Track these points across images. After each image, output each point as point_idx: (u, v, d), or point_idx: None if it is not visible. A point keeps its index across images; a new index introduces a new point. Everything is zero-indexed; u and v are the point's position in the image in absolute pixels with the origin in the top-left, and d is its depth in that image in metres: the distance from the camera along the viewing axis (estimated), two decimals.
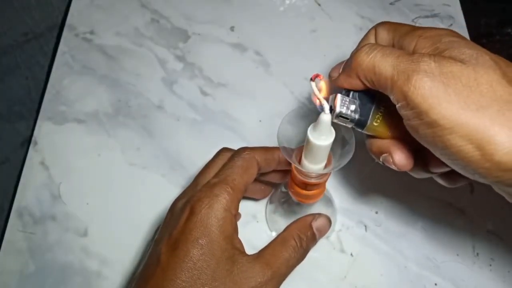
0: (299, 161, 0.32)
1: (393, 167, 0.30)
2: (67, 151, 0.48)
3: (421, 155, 0.29)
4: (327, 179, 0.34)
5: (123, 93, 0.52)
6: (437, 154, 0.26)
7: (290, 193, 0.37)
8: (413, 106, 0.25)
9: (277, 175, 0.39)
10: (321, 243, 0.42)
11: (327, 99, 0.28)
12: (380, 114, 0.30)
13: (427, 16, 0.58)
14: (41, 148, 0.48)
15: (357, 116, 0.29)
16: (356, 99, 0.29)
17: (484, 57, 0.25)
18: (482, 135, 0.23)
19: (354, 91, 0.30)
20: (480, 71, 0.24)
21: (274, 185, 0.44)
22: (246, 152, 0.34)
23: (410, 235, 0.43)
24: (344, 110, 0.29)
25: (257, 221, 0.44)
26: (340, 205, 0.45)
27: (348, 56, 0.30)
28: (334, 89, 0.30)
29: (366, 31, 0.32)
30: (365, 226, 0.44)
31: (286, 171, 0.39)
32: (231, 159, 0.34)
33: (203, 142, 0.49)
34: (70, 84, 0.53)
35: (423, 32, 0.28)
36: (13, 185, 0.54)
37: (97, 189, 0.46)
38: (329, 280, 0.41)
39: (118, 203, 0.45)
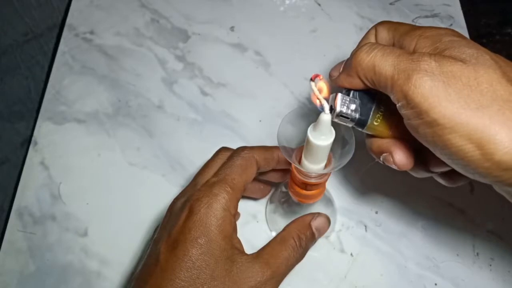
0: (299, 161, 0.32)
1: (393, 166, 0.30)
2: (67, 151, 0.48)
3: (421, 154, 0.29)
4: (327, 179, 0.34)
5: (123, 93, 0.52)
6: (437, 153, 0.26)
7: (290, 193, 0.37)
8: (413, 106, 0.25)
9: (276, 174, 0.39)
10: (321, 243, 0.43)
11: (327, 99, 0.28)
12: (380, 113, 0.30)
13: (427, 16, 0.58)
14: (41, 148, 0.48)
15: (357, 116, 0.29)
16: (356, 98, 0.29)
17: (484, 56, 0.25)
18: (482, 134, 0.23)
19: (355, 90, 0.30)
20: (480, 70, 0.24)
21: (274, 185, 0.44)
22: (245, 151, 0.34)
23: (410, 235, 0.43)
24: (344, 110, 0.29)
25: (257, 221, 0.44)
26: (340, 205, 0.45)
27: (348, 56, 0.30)
28: (334, 88, 0.30)
29: (366, 31, 0.32)
30: (365, 226, 0.44)
31: (285, 171, 0.39)
32: (230, 158, 0.34)
33: (203, 142, 0.49)
34: (70, 84, 0.53)
35: (423, 32, 0.28)
36: (13, 185, 0.54)
37: (97, 189, 0.46)
38: (329, 280, 0.41)
39: (118, 203, 0.45)
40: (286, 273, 0.33)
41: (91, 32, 0.57)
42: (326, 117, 0.27)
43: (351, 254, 0.43)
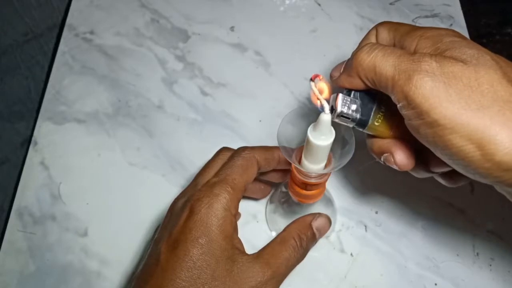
0: (299, 161, 0.32)
1: (394, 166, 0.30)
2: (67, 151, 0.48)
3: (422, 154, 0.29)
4: (327, 179, 0.34)
5: (123, 93, 0.52)
6: (438, 154, 0.26)
7: (290, 193, 0.37)
8: (414, 106, 0.25)
9: (276, 174, 0.39)
10: (321, 243, 0.43)
11: (327, 100, 0.28)
12: (381, 114, 0.30)
13: (427, 16, 0.58)
14: (41, 148, 0.48)
15: (358, 116, 0.29)
16: (357, 98, 0.29)
17: (485, 57, 0.25)
18: (483, 135, 0.23)
19: (355, 91, 0.30)
20: (481, 71, 0.24)
21: (274, 185, 0.44)
22: (246, 152, 0.34)
23: (410, 235, 0.43)
24: (345, 110, 0.29)
25: (257, 221, 0.44)
26: (340, 205, 0.45)
27: (348, 56, 0.30)
28: (335, 89, 0.30)
29: (366, 31, 0.32)
30: (365, 226, 0.44)
31: (286, 171, 0.39)
32: (231, 158, 0.34)
33: (203, 142, 0.49)
34: (70, 84, 0.53)
35: (424, 32, 0.28)
36: (13, 185, 0.54)
37: (97, 189, 0.46)
38: (329, 280, 0.41)
39: (118, 203, 0.45)
40: (287, 273, 0.33)
41: (91, 32, 0.57)
42: (326, 117, 0.27)
43: (351, 254, 0.43)
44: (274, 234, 0.44)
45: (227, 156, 0.35)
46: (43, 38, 0.61)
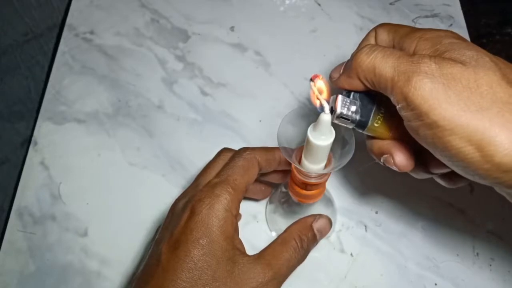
0: (299, 161, 0.32)
1: (394, 168, 0.30)
2: (67, 151, 0.48)
3: (421, 156, 0.30)
4: (327, 179, 0.35)
5: (123, 93, 0.52)
6: (437, 155, 0.26)
7: (290, 193, 0.37)
8: (413, 107, 0.25)
9: (277, 175, 0.39)
10: (321, 243, 0.42)
11: (327, 100, 0.28)
12: (380, 115, 0.30)
13: (427, 16, 0.58)
14: (41, 148, 0.48)
15: (358, 117, 0.29)
16: (357, 100, 0.29)
17: (484, 58, 0.25)
18: (482, 136, 0.23)
19: (355, 92, 0.30)
20: (480, 72, 0.24)
21: (275, 186, 0.44)
22: (247, 152, 0.34)
23: (410, 235, 0.43)
24: (345, 111, 0.29)
25: (257, 221, 0.44)
26: (340, 205, 0.45)
27: (348, 56, 0.30)
28: (335, 90, 0.30)
29: (366, 31, 0.32)
30: (365, 226, 0.44)
31: (286, 171, 0.39)
32: (232, 159, 0.34)
33: (203, 142, 0.49)
34: (70, 84, 0.53)
35: (423, 34, 0.28)
36: (13, 185, 0.54)
37: (97, 189, 0.46)
38: (329, 280, 0.42)
39: (118, 203, 0.45)
40: (288, 274, 0.33)
41: (91, 32, 0.57)
42: (326, 117, 0.28)
43: (351, 254, 0.43)
44: (274, 234, 0.44)
45: (228, 157, 0.35)
46: (43, 38, 0.61)
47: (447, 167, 0.27)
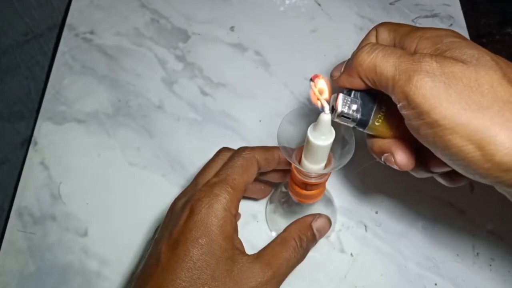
0: (299, 161, 0.32)
1: (394, 166, 0.30)
2: (67, 151, 0.48)
3: (422, 154, 0.29)
4: (327, 179, 0.34)
5: (123, 93, 0.52)
6: (438, 154, 0.26)
7: (290, 193, 0.37)
8: (414, 106, 0.25)
9: (277, 174, 0.39)
10: (321, 243, 0.43)
11: (327, 100, 0.28)
12: (381, 114, 0.30)
13: (427, 16, 0.58)
14: (41, 148, 0.48)
15: (358, 116, 0.29)
16: (357, 98, 0.29)
17: (485, 57, 0.25)
18: (483, 136, 0.23)
19: (356, 90, 0.30)
20: (481, 71, 0.24)
21: (274, 185, 0.44)
22: (246, 152, 0.34)
23: (410, 235, 0.43)
24: (346, 110, 0.29)
25: (257, 221, 0.44)
26: (340, 205, 0.45)
27: (348, 56, 0.30)
28: (336, 89, 0.30)
29: (366, 31, 0.32)
30: (365, 226, 0.44)
31: (286, 171, 0.39)
32: (231, 158, 0.34)
33: (203, 142, 0.49)
34: (70, 84, 0.53)
35: (424, 33, 0.28)
36: (13, 185, 0.54)
37: (97, 189, 0.46)
38: (329, 280, 0.41)
39: (118, 203, 0.45)
40: (287, 273, 0.33)
41: (91, 32, 0.57)
42: (326, 117, 0.27)
43: (351, 254, 0.43)
44: (274, 234, 0.44)
45: (227, 156, 0.35)
46: (43, 38, 0.61)
47: (448, 166, 0.27)
